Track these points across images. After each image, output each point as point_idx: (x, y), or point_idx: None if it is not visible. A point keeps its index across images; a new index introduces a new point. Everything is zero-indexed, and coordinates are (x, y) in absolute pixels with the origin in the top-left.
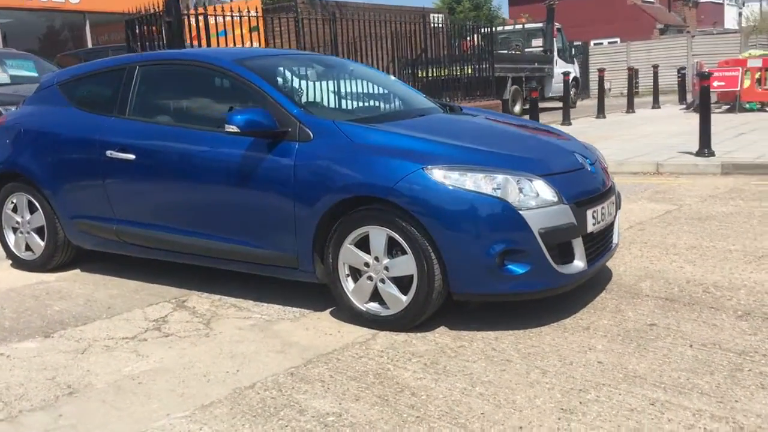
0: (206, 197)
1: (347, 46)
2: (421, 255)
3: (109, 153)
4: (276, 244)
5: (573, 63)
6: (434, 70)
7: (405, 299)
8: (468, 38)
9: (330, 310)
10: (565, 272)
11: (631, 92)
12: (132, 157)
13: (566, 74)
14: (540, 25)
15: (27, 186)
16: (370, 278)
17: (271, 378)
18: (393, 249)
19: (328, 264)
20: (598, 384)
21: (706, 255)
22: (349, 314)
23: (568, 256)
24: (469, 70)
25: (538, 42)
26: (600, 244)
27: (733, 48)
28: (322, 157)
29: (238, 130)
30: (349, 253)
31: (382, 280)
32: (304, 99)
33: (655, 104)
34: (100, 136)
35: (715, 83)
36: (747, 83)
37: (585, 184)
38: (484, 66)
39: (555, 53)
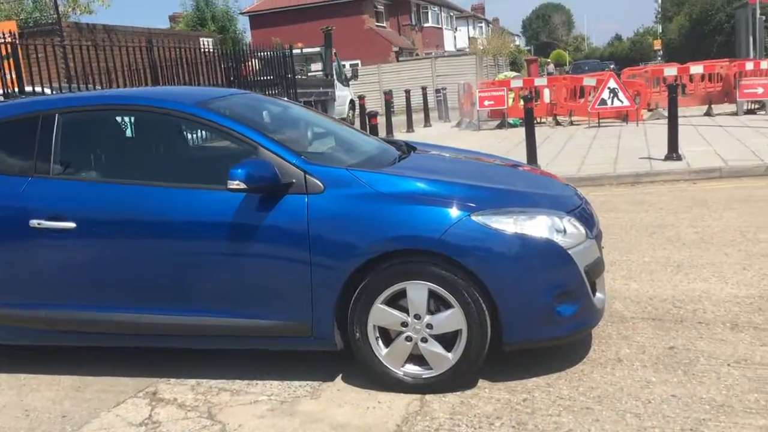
0: (189, 267)
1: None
2: (471, 307)
3: (35, 222)
4: (285, 313)
5: (348, 86)
6: None
7: (452, 357)
8: (247, 63)
9: (339, 377)
10: (598, 306)
11: (410, 112)
12: (71, 225)
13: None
14: (318, 49)
15: None
16: (408, 338)
17: None
18: (433, 304)
19: (353, 328)
20: (700, 420)
21: (633, 269)
22: (380, 381)
23: (594, 290)
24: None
25: (317, 66)
26: None
27: (469, 69)
28: (344, 210)
29: (245, 186)
30: (381, 314)
31: (424, 339)
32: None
33: (427, 123)
34: (17, 203)
35: (486, 102)
36: (511, 102)
37: (591, 217)
38: (278, 91)
39: (335, 77)
